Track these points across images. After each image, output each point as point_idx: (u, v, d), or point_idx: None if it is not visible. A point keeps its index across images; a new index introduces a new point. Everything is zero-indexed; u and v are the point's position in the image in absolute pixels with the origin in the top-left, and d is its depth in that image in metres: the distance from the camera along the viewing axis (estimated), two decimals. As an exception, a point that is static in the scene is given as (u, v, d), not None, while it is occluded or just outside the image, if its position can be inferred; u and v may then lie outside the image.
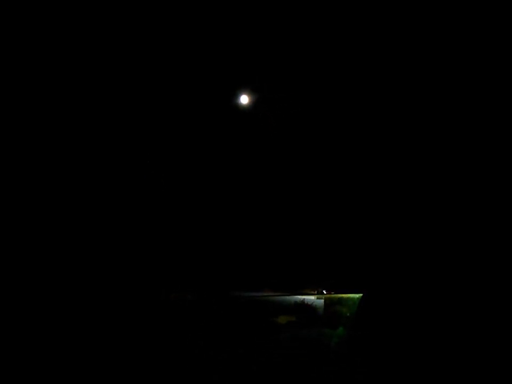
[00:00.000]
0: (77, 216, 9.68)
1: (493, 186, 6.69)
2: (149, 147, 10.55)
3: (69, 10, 9.45)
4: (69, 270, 9.29)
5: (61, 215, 9.51)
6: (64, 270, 9.26)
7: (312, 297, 14.83)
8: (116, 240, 10.08)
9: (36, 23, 9.33)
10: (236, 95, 10.56)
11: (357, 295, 9.34)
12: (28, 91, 9.55)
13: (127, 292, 9.66)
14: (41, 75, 9.66)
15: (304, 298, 12.98)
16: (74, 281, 9.22)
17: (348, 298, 9.84)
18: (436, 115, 7.28)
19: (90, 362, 7.52)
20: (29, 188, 9.37)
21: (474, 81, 7.04)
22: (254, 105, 10.40)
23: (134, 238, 10.35)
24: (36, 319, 8.31)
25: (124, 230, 10.19)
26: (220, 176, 10.98)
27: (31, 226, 9.16)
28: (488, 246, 6.60)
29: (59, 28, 9.53)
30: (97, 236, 9.88)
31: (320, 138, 10.11)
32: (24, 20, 9.28)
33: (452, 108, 7.16)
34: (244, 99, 10.62)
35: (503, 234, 6.54)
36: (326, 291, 13.70)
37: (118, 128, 10.35)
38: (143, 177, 10.24)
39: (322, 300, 12.76)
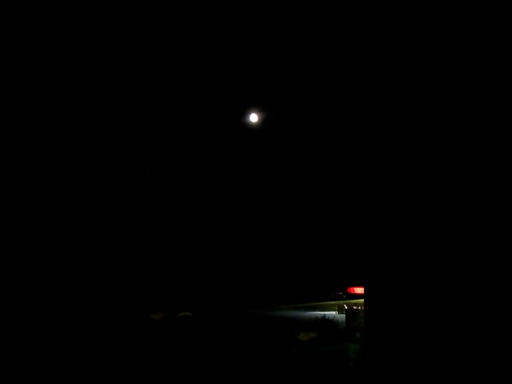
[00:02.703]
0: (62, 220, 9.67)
1: (493, 186, 6.54)
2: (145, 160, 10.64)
3: (69, 10, 9.43)
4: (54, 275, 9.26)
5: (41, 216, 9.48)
6: (51, 273, 9.23)
7: (333, 313, 14.57)
8: (106, 250, 10.05)
9: (35, 23, 9.29)
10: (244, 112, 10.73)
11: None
12: (28, 91, 9.51)
13: (120, 302, 9.58)
14: (42, 75, 9.59)
15: (325, 314, 12.79)
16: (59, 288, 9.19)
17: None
18: (435, 115, 7.20)
19: (76, 371, 7.40)
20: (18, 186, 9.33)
21: (474, 81, 6.95)
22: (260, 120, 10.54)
23: (128, 245, 10.31)
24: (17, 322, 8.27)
25: (115, 238, 10.18)
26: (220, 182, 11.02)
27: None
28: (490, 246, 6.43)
29: (59, 28, 9.50)
30: (84, 246, 9.87)
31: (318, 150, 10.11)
32: (24, 20, 9.25)
33: (452, 107, 7.08)
34: (254, 117, 10.77)
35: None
36: (342, 298, 13.38)
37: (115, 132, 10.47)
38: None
39: (343, 315, 12.54)
